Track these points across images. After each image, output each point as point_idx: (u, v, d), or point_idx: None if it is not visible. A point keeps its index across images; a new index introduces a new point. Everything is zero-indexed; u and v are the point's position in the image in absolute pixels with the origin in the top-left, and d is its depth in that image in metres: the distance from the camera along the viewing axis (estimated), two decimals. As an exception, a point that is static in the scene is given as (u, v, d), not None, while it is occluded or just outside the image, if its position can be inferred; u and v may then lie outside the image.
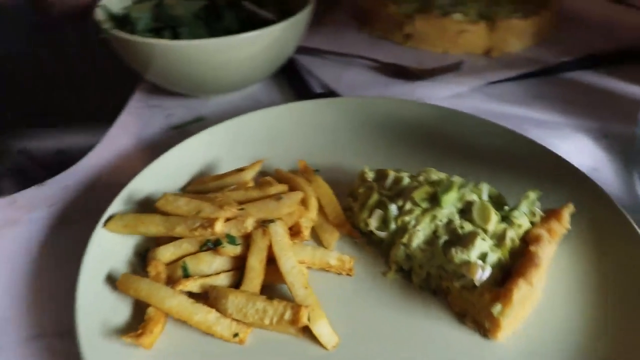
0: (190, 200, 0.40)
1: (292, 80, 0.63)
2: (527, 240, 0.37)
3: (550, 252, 0.37)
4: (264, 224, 0.39)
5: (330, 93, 0.60)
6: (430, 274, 0.38)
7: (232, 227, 0.39)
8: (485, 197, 0.40)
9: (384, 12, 0.69)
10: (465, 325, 0.36)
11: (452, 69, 0.62)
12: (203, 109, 0.60)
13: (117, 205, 0.42)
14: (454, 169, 0.44)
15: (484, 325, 0.35)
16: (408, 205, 0.40)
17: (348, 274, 0.40)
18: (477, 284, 0.35)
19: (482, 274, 0.35)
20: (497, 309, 0.34)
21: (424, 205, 0.39)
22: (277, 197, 0.41)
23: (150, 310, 0.36)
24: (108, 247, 0.40)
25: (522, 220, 0.38)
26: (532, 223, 0.38)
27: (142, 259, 0.40)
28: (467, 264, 0.35)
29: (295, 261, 0.37)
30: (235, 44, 0.53)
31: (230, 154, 0.49)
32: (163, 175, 0.46)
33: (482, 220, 0.38)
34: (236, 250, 0.39)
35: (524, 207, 0.39)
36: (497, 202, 0.40)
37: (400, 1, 0.70)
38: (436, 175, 0.42)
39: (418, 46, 0.68)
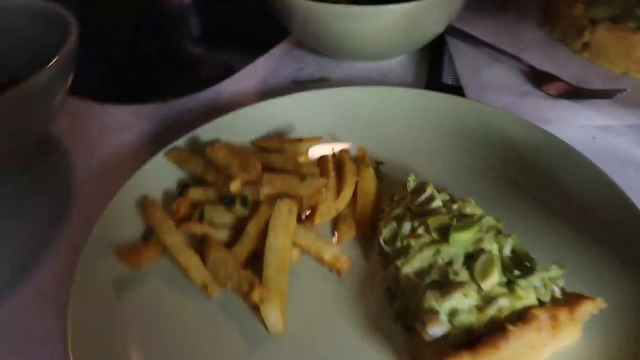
0: (229, 154, 0.42)
1: (432, 63, 0.60)
2: (522, 317, 0.32)
3: (537, 341, 0.31)
4: (278, 197, 0.39)
5: (456, 88, 0.55)
6: (409, 308, 0.35)
7: (249, 190, 0.40)
8: (507, 251, 0.35)
9: (569, 13, 0.60)
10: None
11: (608, 94, 0.52)
12: (333, 71, 0.60)
13: (184, 140, 0.46)
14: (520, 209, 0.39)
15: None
16: (420, 230, 0.36)
17: (338, 274, 0.39)
18: (425, 337, 0.31)
19: (435, 330, 0.31)
20: (428, 369, 0.30)
21: (434, 235, 0.36)
22: (303, 177, 0.41)
23: (152, 239, 0.40)
24: (158, 173, 0.44)
25: (526, 293, 0.32)
26: (540, 301, 0.33)
27: (179, 192, 0.44)
28: (430, 312, 0.32)
29: (283, 242, 0.37)
30: (375, 14, 0.51)
31: (310, 122, 0.49)
32: (240, 125, 0.48)
33: (480, 275, 0.33)
34: (244, 212, 0.40)
35: (536, 279, 0.33)
36: (519, 261, 0.34)
37: (593, 3, 0.60)
38: (472, 209, 0.37)
39: (595, 59, 0.58)
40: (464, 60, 0.59)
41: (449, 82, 0.56)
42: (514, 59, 0.59)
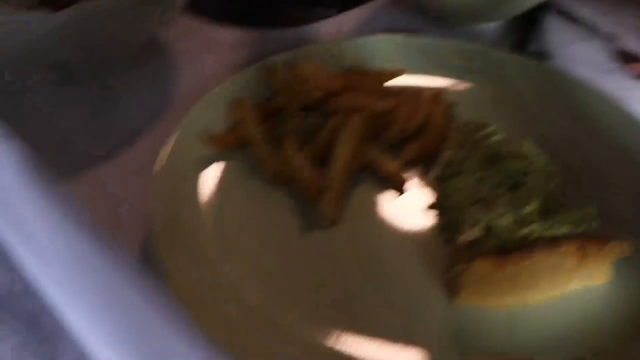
0: (316, 70, 0.47)
1: (521, 32, 0.61)
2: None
3: (562, 268, 0.34)
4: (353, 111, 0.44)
5: (539, 56, 0.57)
6: (453, 222, 0.38)
7: (328, 102, 0.45)
8: (550, 187, 0.37)
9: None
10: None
11: None
12: (423, 30, 0.63)
13: (279, 58, 0.51)
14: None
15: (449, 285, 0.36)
16: (476, 156, 0.40)
17: (395, 187, 0.42)
18: (460, 242, 0.35)
19: (470, 235, 0.35)
20: (457, 268, 0.34)
21: (487, 162, 0.39)
22: (380, 97, 0.45)
23: (235, 130, 0.45)
24: (251, 82, 0.49)
25: (559, 224, 0.35)
26: (572, 235, 0.35)
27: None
28: (469, 222, 0.35)
29: (350, 149, 0.41)
30: None
31: (397, 64, 0.53)
32: (332, 55, 0.52)
33: (521, 201, 0.36)
34: (321, 121, 0.44)
35: (572, 214, 0.35)
36: (560, 196, 0.37)
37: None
38: (528, 148, 0.40)
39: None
40: (555, 33, 0.60)
41: (535, 51, 0.58)
42: (606, 40, 0.59)
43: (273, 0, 0.69)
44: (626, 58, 0.57)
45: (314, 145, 0.43)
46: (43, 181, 0.48)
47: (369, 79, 0.48)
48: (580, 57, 0.57)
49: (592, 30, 0.61)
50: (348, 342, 0.33)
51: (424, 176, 0.44)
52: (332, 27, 0.64)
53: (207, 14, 0.66)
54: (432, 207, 0.41)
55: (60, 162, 0.48)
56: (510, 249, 0.34)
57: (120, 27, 0.49)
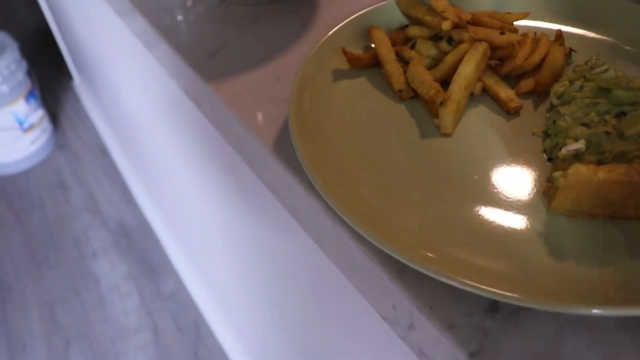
0: (447, 5, 0.51)
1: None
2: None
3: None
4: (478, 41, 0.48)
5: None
6: (558, 143, 0.42)
7: (455, 32, 0.50)
8: (659, 116, 0.40)
9: None
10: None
11: None
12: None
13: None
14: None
15: (548, 191, 0.40)
16: (588, 88, 0.43)
17: (508, 111, 0.47)
18: (562, 153, 0.39)
19: (572, 147, 0.39)
20: (555, 174, 0.38)
21: (598, 92, 0.42)
22: (503, 32, 0.49)
23: (371, 50, 0.51)
24: (388, 13, 0.55)
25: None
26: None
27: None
28: (572, 137, 0.39)
29: (471, 72, 0.46)
30: None
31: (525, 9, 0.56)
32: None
33: (626, 125, 0.39)
34: (448, 49, 0.50)
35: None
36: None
37: None
38: (640, 84, 0.43)
39: None
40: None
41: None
42: None
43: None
44: None
45: (439, 68, 0.48)
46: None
47: (495, 18, 0.52)
48: None
49: None
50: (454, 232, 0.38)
51: (536, 107, 0.48)
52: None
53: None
54: (539, 132, 0.45)
55: (213, 66, 0.56)
56: (609, 163, 0.38)
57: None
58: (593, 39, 0.54)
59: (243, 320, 1.47)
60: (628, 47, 0.52)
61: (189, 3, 0.68)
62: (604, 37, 0.54)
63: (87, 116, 2.60)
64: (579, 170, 0.36)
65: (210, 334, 1.73)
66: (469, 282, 0.33)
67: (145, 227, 2.05)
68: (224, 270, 1.40)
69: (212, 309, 1.75)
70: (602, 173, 0.36)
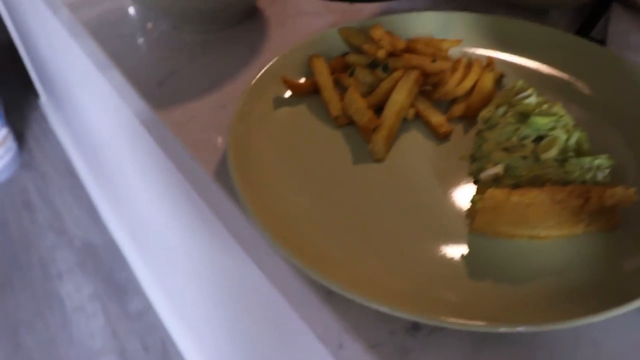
0: (384, 34, 0.54)
1: (588, 19, 0.66)
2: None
3: (568, 207, 0.39)
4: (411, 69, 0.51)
5: (600, 42, 0.61)
6: (482, 167, 0.45)
7: (391, 60, 0.52)
8: (571, 140, 0.43)
9: None
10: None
11: None
12: (499, 9, 0.69)
13: (356, 24, 0.59)
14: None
15: (469, 214, 0.42)
16: (510, 114, 0.46)
17: (438, 136, 0.49)
18: (482, 177, 0.41)
19: (490, 171, 0.41)
20: (474, 198, 0.40)
21: (519, 118, 0.45)
22: (434, 60, 0.51)
23: (310, 78, 0.53)
24: (330, 41, 0.57)
25: (572, 169, 0.40)
26: (584, 181, 0.40)
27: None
28: (492, 162, 0.42)
29: (403, 98, 0.48)
30: None
31: (459, 37, 0.59)
32: (402, 24, 0.59)
33: (542, 149, 0.42)
34: (383, 76, 0.52)
35: (585, 161, 0.41)
36: (579, 151, 0.42)
37: None
38: (558, 109, 0.45)
39: None
40: (618, 22, 0.64)
41: (595, 38, 0.62)
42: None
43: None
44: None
45: (374, 94, 0.50)
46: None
47: (430, 46, 0.54)
48: (636, 45, 0.61)
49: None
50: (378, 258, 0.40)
51: (466, 131, 0.50)
52: (408, 3, 0.71)
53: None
54: (467, 156, 0.47)
55: (161, 93, 0.58)
56: (524, 186, 0.40)
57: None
58: (524, 65, 0.56)
59: (210, 339, 1.47)
60: (554, 75, 0.55)
61: (147, 28, 0.70)
62: (534, 64, 0.56)
63: (54, 135, 2.58)
64: (494, 194, 0.39)
65: (178, 354, 1.73)
66: (388, 305, 0.35)
67: (112, 247, 2.04)
68: (190, 289, 1.40)
69: (179, 328, 1.74)
70: (515, 196, 0.39)
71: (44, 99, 2.70)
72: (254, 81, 0.51)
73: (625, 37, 0.62)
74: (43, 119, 2.66)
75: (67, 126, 2.37)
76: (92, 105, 1.46)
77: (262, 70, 0.52)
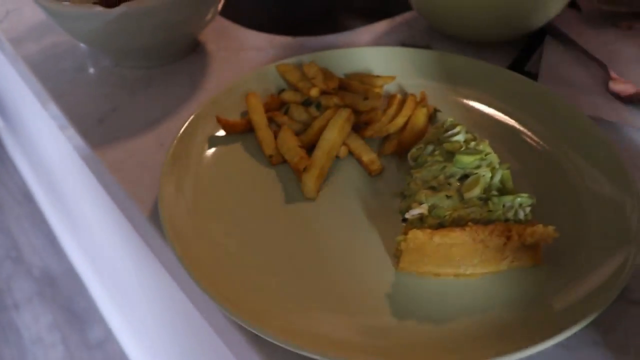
0: (319, 72, 0.54)
1: (522, 52, 0.67)
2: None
3: (490, 246, 0.40)
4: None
5: (533, 76, 0.63)
6: (410, 205, 0.45)
7: (324, 98, 0.53)
8: (495, 179, 0.44)
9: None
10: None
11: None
12: (437, 42, 0.70)
13: (293, 60, 0.59)
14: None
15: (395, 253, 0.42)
16: (438, 152, 0.46)
17: (370, 174, 0.50)
18: (408, 216, 0.42)
19: (415, 211, 0.42)
20: (398, 238, 0.41)
21: (446, 156, 0.46)
22: (366, 97, 0.52)
23: (244, 117, 0.54)
24: (266, 77, 0.58)
25: (495, 208, 0.41)
26: (506, 219, 0.41)
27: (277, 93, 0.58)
28: (417, 201, 0.42)
29: (335, 137, 0.49)
30: None
31: (395, 72, 0.60)
32: (339, 61, 0.60)
33: (465, 188, 0.43)
34: (317, 114, 0.52)
35: (507, 200, 0.42)
36: (503, 189, 0.43)
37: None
38: (485, 147, 0.46)
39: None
40: (550, 56, 0.66)
41: (529, 71, 0.64)
42: (599, 66, 0.65)
43: (299, 11, 0.78)
44: (616, 83, 0.62)
45: (307, 133, 0.51)
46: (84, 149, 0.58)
47: (365, 83, 0.55)
48: (568, 78, 0.63)
49: (585, 56, 0.66)
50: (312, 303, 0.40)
51: (399, 168, 0.51)
52: (350, 38, 0.72)
53: (239, 19, 0.75)
54: (397, 194, 0.48)
55: (101, 132, 0.57)
56: (448, 227, 0.41)
57: (163, 25, 0.58)
58: (458, 100, 0.58)
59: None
60: (488, 110, 0.56)
61: (88, 63, 0.69)
62: (469, 99, 0.58)
63: (11, 161, 2.53)
64: (416, 235, 0.39)
65: (139, 383, 1.69)
66: (313, 350, 0.35)
67: (71, 274, 2.00)
68: (151, 317, 1.38)
69: (141, 357, 1.71)
70: (437, 237, 0.39)
71: (0, 125, 2.65)
72: (187, 122, 0.51)
73: (557, 70, 0.64)
74: (0, 145, 2.61)
75: (23, 152, 2.32)
76: (41, 134, 1.44)
77: (197, 111, 0.52)
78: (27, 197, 2.33)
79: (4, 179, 2.42)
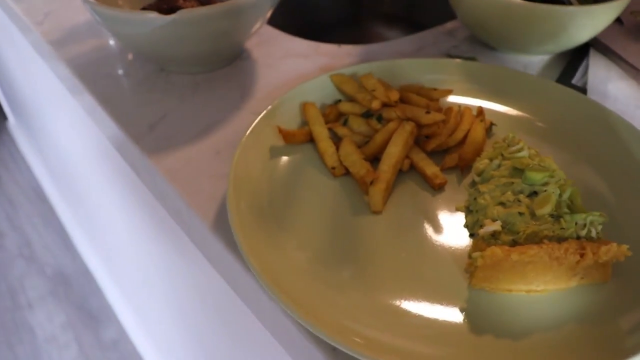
0: (377, 83, 0.55)
1: (568, 66, 0.68)
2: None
3: (564, 263, 0.40)
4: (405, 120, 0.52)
5: (580, 89, 0.63)
6: (478, 220, 0.46)
7: (385, 111, 0.53)
8: (565, 196, 0.44)
9: None
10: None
11: None
12: (482, 54, 0.71)
13: (348, 70, 0.60)
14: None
15: (468, 269, 0.43)
16: (504, 167, 0.47)
17: (433, 187, 0.50)
18: (480, 233, 0.42)
19: (489, 228, 0.42)
20: (474, 254, 0.41)
21: (513, 172, 0.46)
22: (428, 111, 0.52)
23: (305, 127, 0.54)
24: (322, 88, 0.58)
25: (567, 226, 0.42)
26: (578, 237, 0.42)
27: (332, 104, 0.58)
28: (490, 218, 0.43)
29: (399, 150, 0.49)
30: (549, 13, 0.61)
31: (450, 85, 0.61)
32: (393, 72, 0.60)
33: (537, 204, 0.43)
34: (377, 126, 0.53)
35: (579, 218, 0.42)
36: (572, 206, 0.44)
37: None
38: (550, 163, 0.47)
39: None
40: (597, 70, 0.67)
41: (576, 85, 0.64)
42: (645, 80, 0.65)
43: (330, 24, 0.78)
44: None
45: (369, 145, 0.51)
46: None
47: (422, 95, 0.56)
48: (616, 92, 0.63)
49: (631, 69, 0.67)
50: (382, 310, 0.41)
51: (459, 181, 0.51)
52: (395, 47, 0.73)
53: (285, 27, 0.76)
54: (462, 207, 0.48)
55: (153, 138, 0.58)
56: (521, 243, 0.41)
57: (213, 33, 0.59)
58: (512, 114, 0.58)
59: (187, 369, 1.44)
60: (540, 124, 0.57)
61: (133, 68, 0.69)
62: (520, 113, 0.58)
63: (23, 158, 2.53)
64: (494, 252, 0.40)
65: (153, 383, 1.70)
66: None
67: (85, 274, 2.00)
68: (167, 317, 1.38)
69: (155, 357, 1.71)
70: (515, 254, 0.40)
71: (12, 121, 2.65)
72: (248, 131, 0.52)
73: (604, 85, 0.64)
74: (11, 141, 2.61)
75: (37, 150, 2.32)
76: (66, 132, 1.44)
77: (257, 120, 0.53)
78: (39, 195, 2.33)
79: (16, 176, 2.43)
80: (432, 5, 0.77)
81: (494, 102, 0.59)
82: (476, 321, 0.40)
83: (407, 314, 0.41)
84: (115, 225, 1.42)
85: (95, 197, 1.50)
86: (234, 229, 0.43)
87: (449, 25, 0.78)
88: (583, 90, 0.63)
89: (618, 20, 0.76)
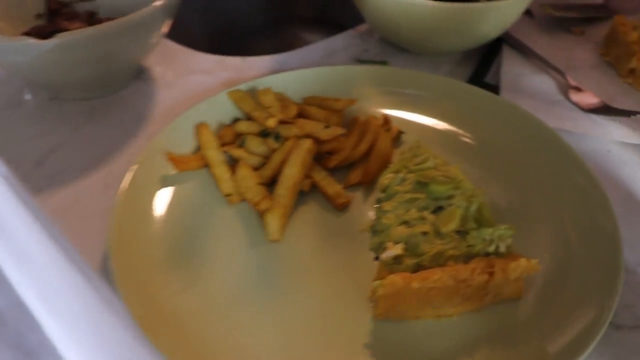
0: (275, 99, 0.51)
1: (481, 63, 0.66)
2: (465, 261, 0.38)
3: (472, 283, 0.37)
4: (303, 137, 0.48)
5: (493, 88, 0.61)
6: (383, 241, 0.42)
7: (282, 128, 0.49)
8: (472, 209, 0.41)
9: (624, 38, 0.64)
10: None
11: (633, 113, 0.56)
12: (393, 57, 0.68)
13: (245, 86, 0.55)
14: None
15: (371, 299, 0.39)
16: (409, 181, 0.43)
17: (337, 208, 0.46)
18: (383, 258, 0.39)
19: (391, 253, 0.38)
20: (375, 284, 0.37)
21: (417, 186, 0.43)
22: (328, 125, 0.49)
23: (198, 152, 0.49)
24: (218, 106, 0.54)
25: (474, 242, 0.39)
26: (487, 253, 0.39)
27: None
28: (393, 240, 0.39)
29: (297, 171, 0.45)
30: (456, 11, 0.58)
31: (354, 92, 0.57)
32: (294, 83, 0.56)
33: (442, 221, 0.40)
34: (275, 145, 0.49)
35: (486, 233, 0.39)
36: (480, 220, 0.41)
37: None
38: (456, 173, 0.44)
39: (637, 86, 0.62)
40: (510, 66, 0.64)
41: (489, 82, 0.62)
42: (558, 73, 0.63)
43: (247, 30, 0.74)
44: (575, 92, 0.61)
45: (266, 167, 0.47)
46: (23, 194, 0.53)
47: (324, 107, 0.52)
48: (529, 89, 0.61)
49: (543, 63, 0.65)
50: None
51: (366, 199, 0.48)
52: (303, 55, 0.69)
53: (186, 41, 0.71)
54: (367, 228, 0.45)
55: (40, 175, 0.52)
56: (426, 266, 0.38)
57: (101, 55, 0.53)
58: (421, 120, 0.55)
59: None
60: (452, 127, 0.54)
61: (23, 99, 0.63)
62: (430, 118, 0.55)
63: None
64: (394, 281, 0.36)
65: (101, 418, 1.61)
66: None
67: (20, 308, 1.89)
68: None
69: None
70: (416, 282, 0.36)
71: None
72: (136, 164, 0.47)
73: (517, 81, 0.62)
74: None
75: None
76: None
77: (145, 150, 0.48)
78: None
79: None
80: (347, 4, 0.73)
81: (403, 109, 0.56)
82: (382, 356, 0.37)
83: (309, 354, 0.37)
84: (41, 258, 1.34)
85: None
86: (114, 271, 0.39)
87: (361, 28, 0.75)
88: (495, 87, 0.61)
89: (529, 13, 0.75)
